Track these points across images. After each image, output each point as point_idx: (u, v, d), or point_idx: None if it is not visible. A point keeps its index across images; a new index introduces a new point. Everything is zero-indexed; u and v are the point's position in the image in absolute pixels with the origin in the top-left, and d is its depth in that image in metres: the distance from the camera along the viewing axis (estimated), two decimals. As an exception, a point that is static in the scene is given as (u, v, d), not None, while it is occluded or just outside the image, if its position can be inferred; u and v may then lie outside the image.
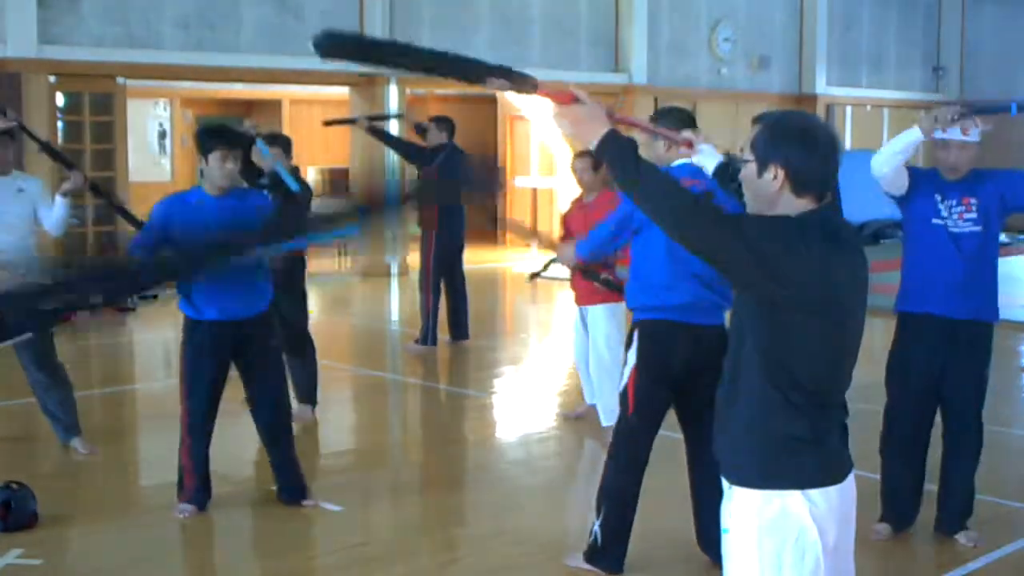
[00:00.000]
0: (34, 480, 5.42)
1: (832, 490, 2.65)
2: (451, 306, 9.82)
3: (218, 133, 5.23)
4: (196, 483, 5.33)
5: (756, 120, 2.73)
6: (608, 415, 6.85)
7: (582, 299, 7.02)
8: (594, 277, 6.51)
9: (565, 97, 2.72)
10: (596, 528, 4.61)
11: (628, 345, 4.61)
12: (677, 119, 4.63)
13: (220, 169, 5.17)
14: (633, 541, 4.63)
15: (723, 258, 2.61)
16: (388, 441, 7.31)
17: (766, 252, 2.54)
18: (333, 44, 2.72)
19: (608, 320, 6.90)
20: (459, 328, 9.87)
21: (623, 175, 2.65)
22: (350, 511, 5.49)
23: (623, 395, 4.57)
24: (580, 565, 4.67)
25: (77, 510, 5.51)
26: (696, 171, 4.47)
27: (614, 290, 6.61)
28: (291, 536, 5.20)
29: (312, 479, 5.73)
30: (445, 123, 9.68)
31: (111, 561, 4.93)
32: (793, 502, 2.62)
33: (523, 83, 2.82)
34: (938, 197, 4.90)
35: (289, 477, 5.51)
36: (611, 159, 2.66)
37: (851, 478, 2.72)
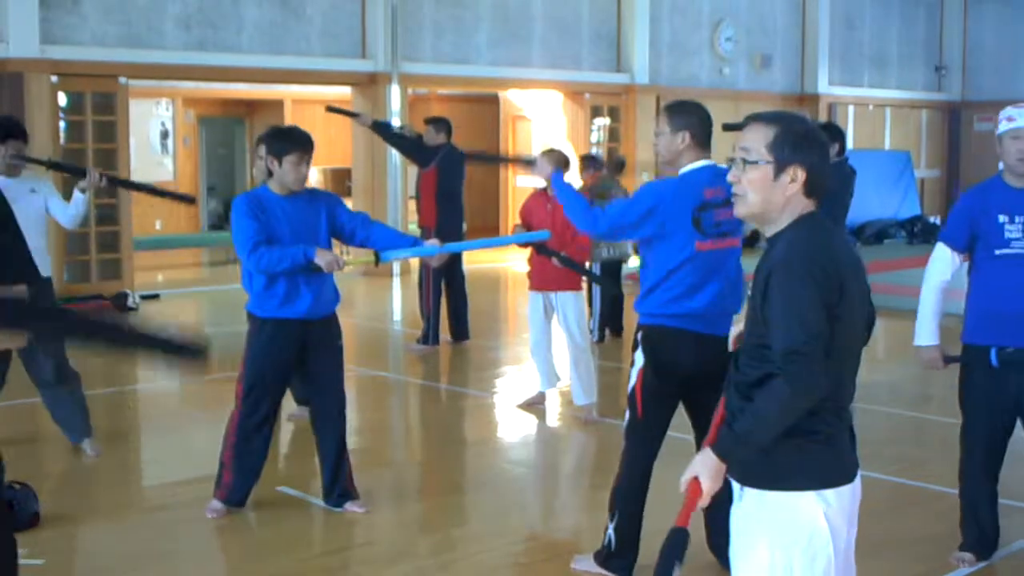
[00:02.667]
0: (36, 480, 5.42)
1: (844, 489, 2.67)
2: (451, 307, 9.86)
3: (293, 137, 5.15)
4: (234, 481, 5.29)
5: (753, 119, 2.73)
6: (587, 393, 7.17)
7: (548, 285, 7.20)
8: (552, 254, 6.64)
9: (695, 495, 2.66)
10: (611, 532, 4.49)
11: (635, 347, 4.54)
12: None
13: (294, 172, 5.11)
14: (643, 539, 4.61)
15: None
16: (390, 441, 7.31)
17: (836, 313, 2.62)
18: None
19: (576, 305, 7.23)
20: (460, 329, 9.91)
21: (753, 446, 2.64)
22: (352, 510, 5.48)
23: (631, 397, 4.51)
24: (591, 569, 4.56)
25: (79, 510, 5.51)
26: (721, 171, 4.31)
27: (574, 269, 6.80)
28: (293, 535, 5.20)
29: (313, 478, 5.72)
30: (442, 123, 9.71)
31: (113, 561, 4.94)
32: (806, 503, 2.62)
33: None
34: (1003, 219, 4.38)
35: (344, 482, 5.42)
36: (738, 455, 2.65)
37: (858, 478, 2.74)
